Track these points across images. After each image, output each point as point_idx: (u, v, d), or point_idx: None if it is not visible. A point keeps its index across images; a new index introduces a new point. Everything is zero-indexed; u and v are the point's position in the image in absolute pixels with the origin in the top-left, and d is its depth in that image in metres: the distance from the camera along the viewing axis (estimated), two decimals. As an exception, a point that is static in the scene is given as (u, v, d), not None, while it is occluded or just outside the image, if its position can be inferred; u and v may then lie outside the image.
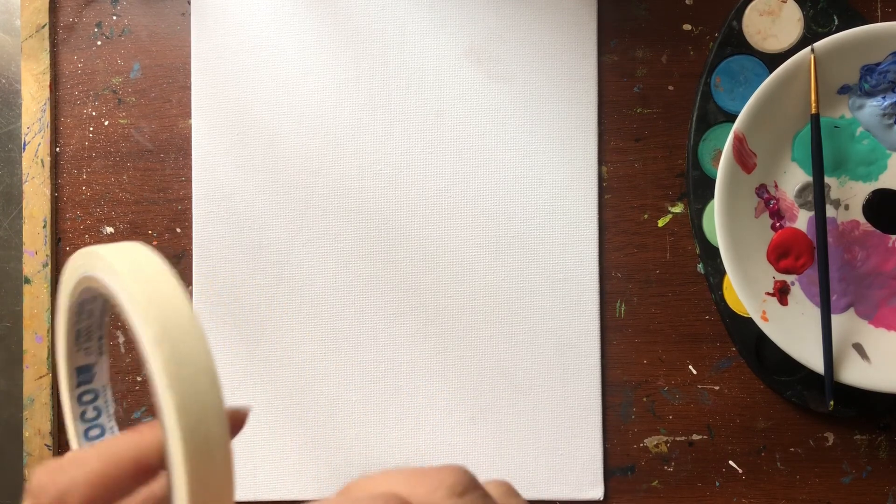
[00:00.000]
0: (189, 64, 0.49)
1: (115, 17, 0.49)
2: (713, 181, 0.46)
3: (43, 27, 0.49)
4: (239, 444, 0.48)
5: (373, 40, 0.48)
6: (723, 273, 0.47)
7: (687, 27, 0.48)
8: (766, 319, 0.45)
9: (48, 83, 0.49)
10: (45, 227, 0.49)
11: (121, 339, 0.49)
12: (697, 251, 0.48)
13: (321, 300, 0.48)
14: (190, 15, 0.49)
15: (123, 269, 0.21)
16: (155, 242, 0.49)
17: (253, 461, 0.48)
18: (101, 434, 0.28)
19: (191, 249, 0.49)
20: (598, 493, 0.48)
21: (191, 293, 0.48)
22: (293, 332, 0.48)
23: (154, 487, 0.24)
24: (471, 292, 0.48)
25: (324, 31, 0.48)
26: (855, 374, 0.45)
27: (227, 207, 0.48)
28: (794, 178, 0.46)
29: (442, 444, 0.48)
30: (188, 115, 0.49)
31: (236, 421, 0.26)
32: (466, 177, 0.48)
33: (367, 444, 0.48)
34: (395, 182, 0.48)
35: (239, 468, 0.48)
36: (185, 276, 0.49)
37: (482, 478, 0.23)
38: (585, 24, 0.48)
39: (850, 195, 0.46)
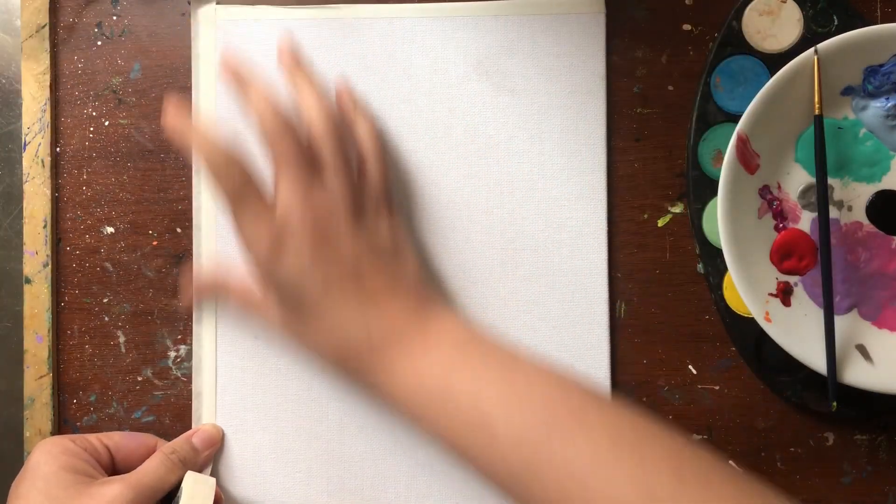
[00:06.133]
0: (189, 64, 0.49)
1: (115, 18, 0.49)
2: (713, 181, 0.46)
3: (43, 27, 0.49)
4: (247, 455, 0.48)
5: (380, 55, 0.48)
6: (723, 273, 0.47)
7: (687, 27, 0.48)
8: (769, 320, 0.45)
9: (48, 83, 0.49)
10: (45, 227, 0.49)
11: (121, 339, 0.49)
12: (697, 251, 0.48)
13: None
14: (190, 15, 0.49)
15: None
16: (155, 242, 0.49)
17: (262, 472, 0.48)
18: None
19: (191, 249, 0.49)
20: None
21: (191, 294, 0.48)
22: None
23: None
24: (480, 307, 0.48)
25: (329, 45, 0.48)
26: (858, 375, 0.45)
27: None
28: (797, 180, 0.46)
29: (448, 460, 0.48)
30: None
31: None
32: (475, 191, 0.48)
33: (376, 460, 0.48)
34: (403, 196, 0.48)
35: (247, 480, 0.48)
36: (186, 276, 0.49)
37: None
38: (594, 35, 0.47)
39: (854, 196, 0.46)
